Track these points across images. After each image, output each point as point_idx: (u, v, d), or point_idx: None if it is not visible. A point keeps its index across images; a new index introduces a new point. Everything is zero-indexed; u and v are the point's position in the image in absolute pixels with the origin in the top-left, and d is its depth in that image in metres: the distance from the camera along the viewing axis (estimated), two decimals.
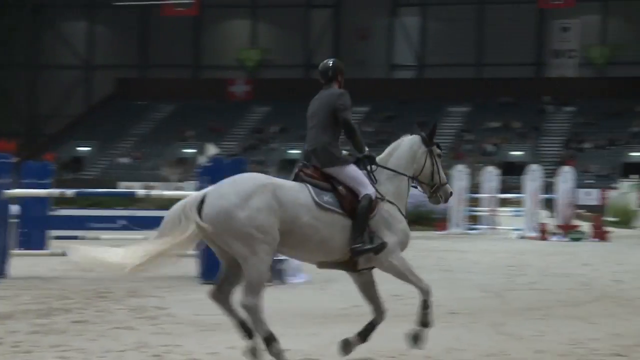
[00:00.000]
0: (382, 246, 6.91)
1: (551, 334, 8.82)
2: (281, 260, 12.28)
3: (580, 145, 55.33)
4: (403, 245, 7.12)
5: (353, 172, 6.90)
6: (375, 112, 62.66)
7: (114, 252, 6.32)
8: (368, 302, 7.18)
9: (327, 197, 6.73)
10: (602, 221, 26.46)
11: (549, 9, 62.80)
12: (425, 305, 7.02)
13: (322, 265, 7.09)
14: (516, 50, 64.13)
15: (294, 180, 6.84)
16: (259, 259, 6.43)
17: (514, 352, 7.76)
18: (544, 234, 24.81)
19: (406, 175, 7.25)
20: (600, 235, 24.53)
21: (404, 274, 7.08)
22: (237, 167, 12.38)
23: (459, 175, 28.12)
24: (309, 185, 6.75)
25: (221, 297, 6.75)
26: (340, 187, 6.78)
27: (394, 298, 10.10)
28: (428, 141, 7.43)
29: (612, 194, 38.61)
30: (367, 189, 6.88)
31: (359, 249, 6.81)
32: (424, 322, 7.08)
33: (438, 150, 7.51)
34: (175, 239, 6.36)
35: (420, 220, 28.77)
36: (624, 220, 34.53)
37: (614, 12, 63.42)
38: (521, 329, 9.03)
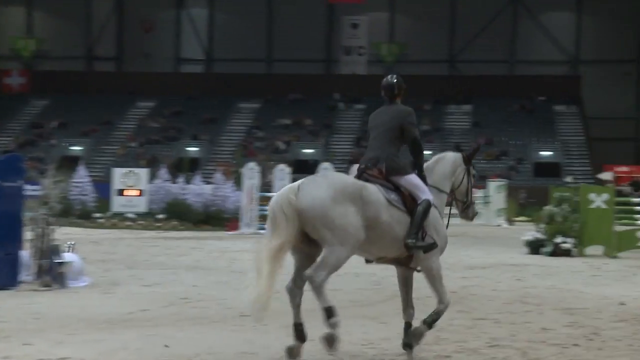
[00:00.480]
0: (433, 246, 7.57)
1: (343, 334, 9.01)
2: (62, 263, 11.90)
3: None
4: (442, 251, 7.74)
5: (414, 180, 7.55)
6: (161, 107, 61.94)
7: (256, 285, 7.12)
8: (402, 297, 7.85)
9: (394, 196, 7.37)
10: None
11: (338, 4, 64.53)
12: (438, 312, 7.72)
13: (380, 260, 7.68)
14: (307, 46, 65.45)
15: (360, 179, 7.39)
16: (344, 250, 7.04)
17: (307, 354, 7.89)
18: None
19: (446, 193, 7.95)
20: None
21: (436, 279, 7.71)
22: (11, 165, 11.89)
23: (250, 173, 28.28)
24: (378, 185, 7.35)
25: (296, 291, 7.40)
26: (402, 187, 7.44)
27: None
28: (468, 161, 8.11)
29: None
30: (427, 194, 7.55)
31: (412, 244, 7.43)
32: (429, 323, 7.70)
33: (474, 171, 8.21)
34: (284, 231, 6.96)
35: (210, 220, 28.70)
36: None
37: (402, 9, 66.12)
38: (314, 330, 9.20)
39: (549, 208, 20.93)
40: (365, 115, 60.64)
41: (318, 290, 7.14)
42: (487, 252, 21.08)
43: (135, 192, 29.93)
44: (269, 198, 29.29)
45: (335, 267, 7.14)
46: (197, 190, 29.67)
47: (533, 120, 58.65)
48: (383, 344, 8.52)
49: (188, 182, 30.77)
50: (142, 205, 29.74)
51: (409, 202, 7.41)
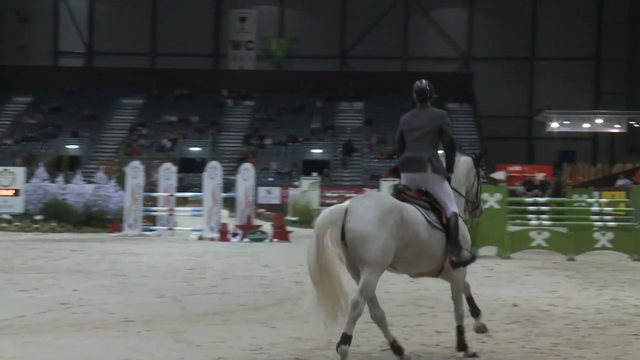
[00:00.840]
0: (472, 260, 8.13)
1: (231, 340, 9.02)
2: None
3: (261, 141, 57.10)
4: None
5: (448, 188, 8.10)
6: (39, 102, 60.51)
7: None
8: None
9: (433, 216, 7.90)
10: (283, 221, 27.44)
11: None
12: (461, 331, 8.32)
13: (416, 276, 8.33)
14: (193, 40, 64.93)
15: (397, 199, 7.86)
16: (378, 270, 7.58)
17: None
18: (224, 234, 25.27)
19: (464, 197, 8.49)
20: (281, 235, 25.43)
21: (459, 290, 8.33)
22: None
23: (134, 172, 27.90)
24: (416, 205, 7.87)
25: (373, 302, 7.95)
26: (437, 205, 7.97)
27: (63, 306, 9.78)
28: (477, 163, 8.69)
29: (293, 192, 40.22)
30: (454, 206, 8.07)
31: (457, 261, 7.98)
32: (462, 347, 8.31)
33: (482, 172, 8.86)
34: (328, 251, 7.68)
35: (92, 221, 28.25)
36: (306, 219, 36.23)
37: (292, 3, 66.31)
38: (201, 336, 9.16)
39: None
40: (254, 112, 60.58)
41: (354, 314, 7.64)
42: None
43: (11, 192, 29.31)
44: (154, 198, 29.17)
45: (372, 289, 7.73)
46: (77, 190, 29.13)
47: None
48: (273, 349, 8.52)
49: (68, 181, 30.17)
50: (18, 206, 29.12)
51: (443, 219, 7.95)
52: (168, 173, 28.89)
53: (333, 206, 7.71)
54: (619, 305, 12.12)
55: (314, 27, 65.70)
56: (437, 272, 8.18)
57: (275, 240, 25.22)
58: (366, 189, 42.59)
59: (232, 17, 66.25)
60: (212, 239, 25.24)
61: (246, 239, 25.02)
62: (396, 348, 8.01)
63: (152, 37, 66.13)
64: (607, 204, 22.98)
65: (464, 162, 8.61)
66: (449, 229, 7.93)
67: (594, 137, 64.76)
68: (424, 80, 8.68)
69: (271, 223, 27.43)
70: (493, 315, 11.03)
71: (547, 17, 64.66)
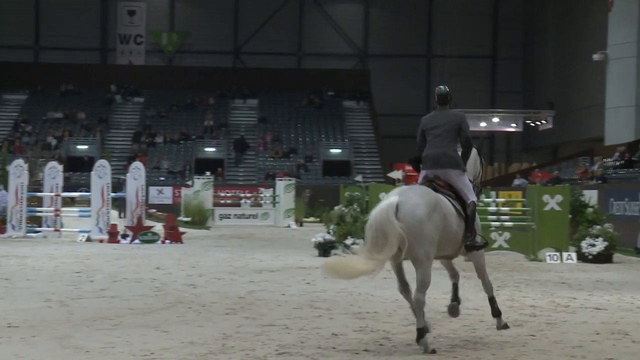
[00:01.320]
0: (486, 245, 9.43)
1: (122, 345, 8.94)
2: None
3: (151, 139, 56.52)
4: None
5: (466, 180, 9.27)
6: None
7: (357, 260, 8.49)
8: (448, 269, 9.77)
9: (457, 205, 8.97)
10: (175, 221, 27.26)
11: None
12: (493, 300, 9.62)
13: (438, 258, 9.20)
14: (79, 34, 63.83)
15: (428, 187, 8.94)
16: (429, 263, 8.65)
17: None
18: (113, 236, 24.98)
19: (472, 183, 9.45)
20: (173, 236, 25.26)
21: (483, 268, 9.60)
22: None
23: (17, 171, 27.33)
24: (447, 196, 8.94)
25: (408, 291, 9.07)
26: (456, 185, 9.07)
27: None
28: (480, 153, 9.86)
29: (185, 192, 40.00)
30: (473, 196, 9.19)
31: (471, 246, 9.20)
32: (497, 313, 9.59)
33: (483, 160, 10.12)
34: (386, 243, 8.37)
35: None
36: (198, 220, 36.06)
37: None
38: (89, 341, 9.04)
39: (338, 208, 21.47)
40: (144, 108, 59.92)
41: (419, 309, 8.69)
42: (275, 255, 21.36)
43: None
44: (39, 198, 28.56)
45: (429, 281, 8.81)
46: None
47: (322, 116, 59.96)
48: (165, 354, 8.48)
49: None
50: None
51: (464, 207, 9.04)
52: (54, 172, 28.38)
53: (383, 203, 8.61)
54: (515, 306, 12.43)
55: (206, 22, 65.34)
56: (455, 255, 9.43)
57: (167, 241, 25.05)
58: (262, 189, 42.63)
59: (120, 10, 65.37)
60: (100, 241, 24.93)
61: (137, 241, 24.77)
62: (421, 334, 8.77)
63: (35, 29, 64.72)
64: (504, 204, 23.51)
65: (473, 153, 9.71)
66: (467, 216, 9.04)
67: (490, 136, 66.19)
68: (444, 87, 9.81)
69: (163, 224, 27.21)
70: (391, 317, 11.18)
71: (443, 15, 65.80)
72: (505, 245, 21.30)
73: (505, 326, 9.67)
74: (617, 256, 21.35)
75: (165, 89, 61.01)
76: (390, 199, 8.60)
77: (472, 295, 13.62)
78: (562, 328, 10.60)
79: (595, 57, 40.99)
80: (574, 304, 12.61)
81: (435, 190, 8.93)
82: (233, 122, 59.43)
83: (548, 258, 20.44)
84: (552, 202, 21.04)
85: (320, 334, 9.84)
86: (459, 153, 9.33)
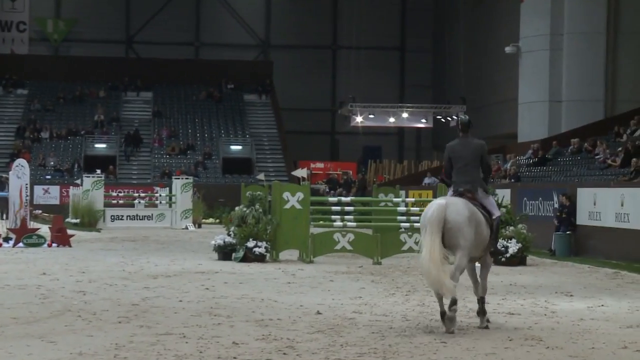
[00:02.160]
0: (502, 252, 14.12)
1: (4, 357, 8.79)
2: None
3: (36, 135, 55.55)
4: None
5: (491, 199, 11.91)
6: None
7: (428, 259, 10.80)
8: (473, 280, 11.76)
9: (485, 213, 11.40)
10: (63, 223, 26.87)
11: None
12: (483, 301, 11.53)
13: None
14: None
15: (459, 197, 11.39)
16: (468, 254, 11.12)
17: None
18: None
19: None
20: (61, 239, 24.92)
21: (489, 271, 12.00)
22: None
23: None
24: (478, 207, 11.32)
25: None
26: (484, 204, 11.55)
27: None
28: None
29: (74, 191, 39.46)
30: (497, 212, 11.80)
31: (496, 251, 13.16)
32: (483, 312, 11.42)
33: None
34: (437, 235, 10.88)
35: None
36: (88, 221, 35.60)
37: None
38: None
39: (239, 209, 21.44)
40: (28, 101, 58.80)
41: (455, 285, 10.85)
42: (172, 259, 21.24)
43: None
44: None
45: (464, 268, 11.23)
46: None
47: (221, 110, 59.75)
48: None
49: None
50: None
51: (488, 219, 11.46)
52: None
53: (436, 203, 11.18)
54: (426, 312, 12.60)
55: (96, 8, 64.47)
56: (478, 258, 11.62)
57: (54, 245, 24.69)
58: (157, 188, 42.29)
59: None
60: None
61: (20, 244, 24.37)
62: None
63: None
64: (414, 204, 23.79)
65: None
66: (492, 228, 11.48)
67: (400, 132, 66.87)
68: (465, 116, 12.10)
69: (49, 226, 26.80)
70: (295, 325, 11.22)
71: (350, 4, 66.17)
72: (416, 248, 21.50)
73: (486, 327, 11.21)
74: (530, 258, 21.82)
75: (51, 80, 59.97)
76: (438, 201, 11.31)
77: (381, 301, 13.76)
78: (474, 334, 10.78)
79: (508, 49, 41.70)
80: (487, 308, 12.82)
81: (468, 200, 11.39)
82: (125, 117, 58.77)
83: None
84: None
85: (220, 343, 9.82)
86: (481, 177, 11.75)
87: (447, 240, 10.98)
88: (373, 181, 52.22)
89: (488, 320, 11.39)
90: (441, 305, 10.97)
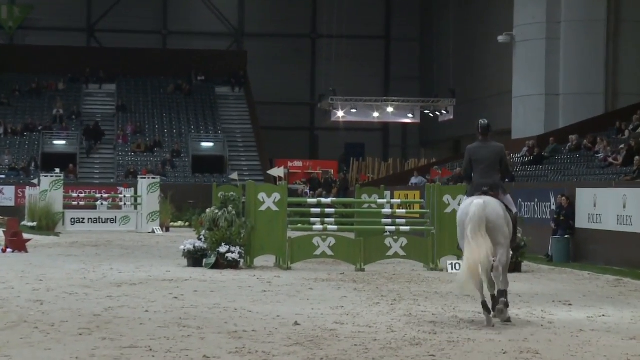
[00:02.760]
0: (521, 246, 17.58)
1: None
2: None
3: None
4: None
5: (509, 197, 13.51)
6: None
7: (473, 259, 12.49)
8: (487, 276, 12.87)
9: (507, 211, 13.17)
10: (19, 227, 26.77)
11: None
12: (506, 293, 12.85)
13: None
14: None
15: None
16: (509, 249, 13.06)
17: None
18: None
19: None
20: (16, 244, 24.82)
21: (508, 265, 13.30)
22: None
23: None
24: (501, 204, 13.09)
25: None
26: (504, 201, 13.26)
27: None
28: None
29: (30, 192, 39.31)
30: (515, 208, 13.71)
31: (516, 246, 15.23)
32: (507, 304, 12.79)
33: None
34: (483, 231, 12.63)
35: None
36: (46, 225, 35.46)
37: None
38: None
39: (211, 211, 21.40)
40: None
41: (498, 276, 12.82)
42: (137, 265, 21.19)
43: None
44: None
45: (509, 261, 13.35)
46: None
47: (191, 104, 59.64)
48: None
49: None
50: None
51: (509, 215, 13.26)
52: None
53: (475, 202, 12.78)
54: (413, 322, 12.60)
55: None
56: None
57: (9, 250, 24.59)
58: (121, 188, 42.17)
59: None
60: None
61: None
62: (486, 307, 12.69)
63: None
64: (400, 206, 23.83)
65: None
66: (514, 224, 13.29)
67: (384, 128, 66.95)
68: (486, 120, 13.74)
69: (3, 230, 26.69)
70: (271, 337, 11.20)
71: None
72: (402, 253, 21.57)
73: (508, 320, 12.68)
74: (526, 264, 21.88)
75: (5, 71, 59.72)
76: (476, 200, 12.84)
77: (365, 310, 13.76)
78: (465, 347, 10.79)
79: (501, 39, 41.75)
80: (479, 319, 12.84)
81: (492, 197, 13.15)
82: (87, 111, 58.55)
83: (449, 267, 20.77)
84: (454, 203, 21.41)
85: (189, 357, 9.80)
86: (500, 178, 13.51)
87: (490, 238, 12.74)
88: (356, 181, 52.30)
89: (509, 320, 12.75)
90: (483, 295, 12.70)
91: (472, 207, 12.74)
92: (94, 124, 55.90)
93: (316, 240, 21.46)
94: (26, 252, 24.63)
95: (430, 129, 63.49)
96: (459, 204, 21.17)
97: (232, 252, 20.60)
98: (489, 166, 13.32)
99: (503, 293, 12.73)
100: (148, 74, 60.99)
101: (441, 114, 56.16)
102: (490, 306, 12.69)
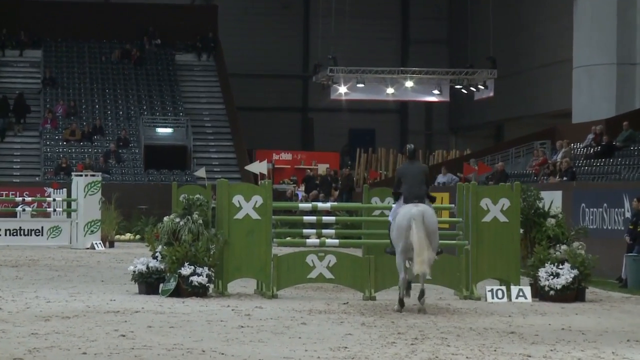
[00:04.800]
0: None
1: None
2: None
3: None
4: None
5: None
6: None
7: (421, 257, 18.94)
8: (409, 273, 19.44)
9: None
10: None
11: None
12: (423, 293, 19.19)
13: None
14: None
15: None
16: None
17: None
18: None
19: None
20: None
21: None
22: None
23: None
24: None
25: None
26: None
27: None
28: None
29: None
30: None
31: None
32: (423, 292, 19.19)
33: None
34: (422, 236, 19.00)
35: None
36: None
37: None
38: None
39: (169, 219, 21.35)
40: None
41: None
42: (71, 292, 21.19)
43: None
44: None
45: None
46: None
47: (143, 76, 59.44)
48: None
49: None
50: None
51: None
52: None
53: (414, 209, 19.11)
54: None
55: None
56: None
57: None
58: (49, 189, 42.09)
59: None
60: None
61: None
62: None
63: None
64: None
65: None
66: None
67: (401, 109, 66.91)
68: (413, 145, 20.75)
69: None
70: None
71: None
72: (426, 276, 21.52)
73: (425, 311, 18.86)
74: (591, 291, 21.87)
75: None
76: (416, 209, 19.17)
77: (376, 353, 13.74)
78: None
79: None
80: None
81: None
82: (4, 85, 58.44)
83: (489, 295, 20.78)
84: (495, 209, 21.40)
85: None
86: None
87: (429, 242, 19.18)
88: (364, 179, 52.30)
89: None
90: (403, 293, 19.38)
91: (411, 210, 19.23)
92: (19, 95, 55.67)
93: (311, 259, 21.40)
94: None
95: (462, 110, 63.50)
96: (503, 211, 21.32)
97: (199, 275, 20.55)
98: (417, 182, 19.89)
99: (424, 292, 19.05)
100: (86, 37, 60.86)
101: (477, 90, 56.03)
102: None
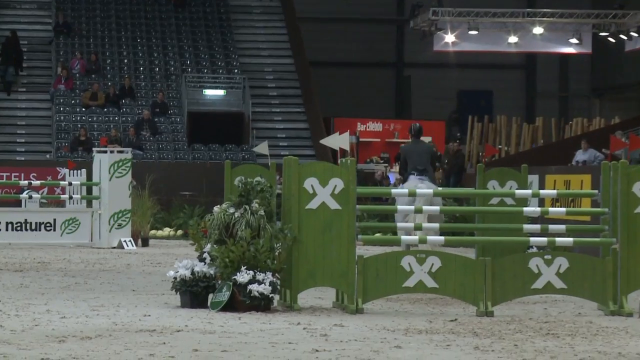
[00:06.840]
0: None
1: None
2: None
3: None
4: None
5: (436, 183, 30.99)
6: None
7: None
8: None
9: None
10: None
11: None
12: None
13: None
14: None
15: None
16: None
17: None
18: None
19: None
20: None
21: None
22: None
23: None
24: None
25: None
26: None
27: None
28: None
29: None
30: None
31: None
32: None
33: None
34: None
35: None
36: None
37: None
38: None
39: (222, 210, 21.46)
40: None
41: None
42: (93, 306, 21.36)
43: None
44: None
45: None
46: None
47: (187, 22, 59.83)
48: None
49: None
50: None
51: None
52: None
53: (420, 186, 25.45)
54: None
55: None
56: None
57: None
58: (63, 170, 42.41)
59: None
60: None
61: None
62: None
63: None
64: (557, 201, 23.78)
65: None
66: None
67: (528, 64, 66.91)
68: (419, 124, 28.07)
69: None
70: None
71: None
72: (560, 285, 21.47)
73: None
74: None
75: None
76: (421, 184, 25.63)
77: None
78: None
79: None
80: None
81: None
82: (4, 34, 58.94)
83: None
84: None
85: None
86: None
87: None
88: (478, 157, 52.34)
89: None
90: None
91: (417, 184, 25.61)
92: (11, 33, 56.07)
93: (407, 262, 21.45)
94: None
95: (610, 66, 63.36)
96: None
97: (260, 283, 20.67)
98: (423, 161, 25.84)
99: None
100: None
101: (629, 38, 55.79)
102: None
